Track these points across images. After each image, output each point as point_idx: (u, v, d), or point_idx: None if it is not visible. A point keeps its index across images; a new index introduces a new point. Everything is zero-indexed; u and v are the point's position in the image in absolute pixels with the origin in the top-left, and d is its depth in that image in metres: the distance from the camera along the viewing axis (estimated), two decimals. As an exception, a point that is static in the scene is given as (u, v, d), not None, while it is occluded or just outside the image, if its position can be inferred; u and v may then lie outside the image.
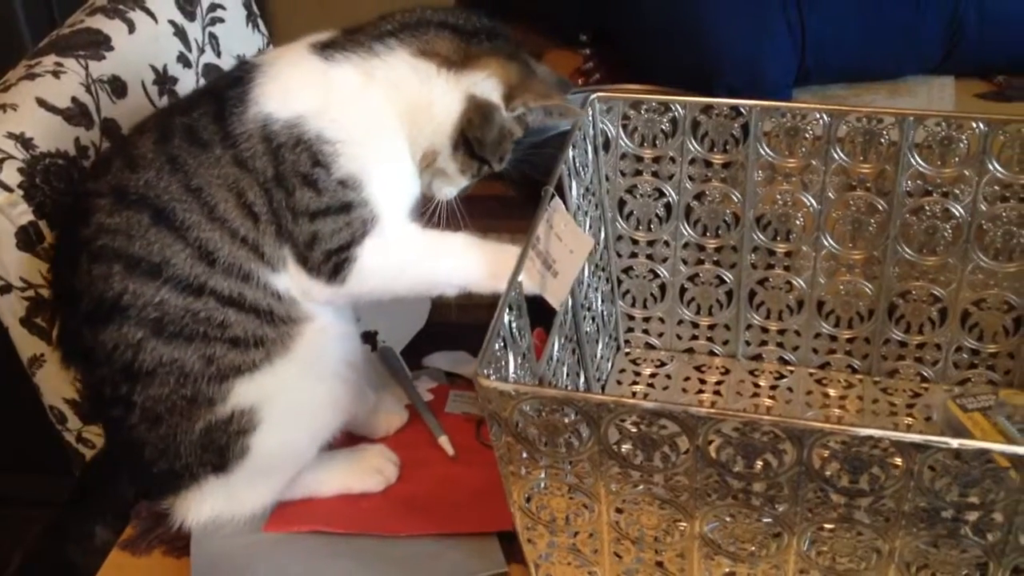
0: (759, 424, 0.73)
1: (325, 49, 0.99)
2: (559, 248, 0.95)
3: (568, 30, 1.84)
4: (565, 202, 1.02)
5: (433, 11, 1.02)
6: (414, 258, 1.00)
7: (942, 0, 1.63)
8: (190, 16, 1.36)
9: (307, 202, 0.96)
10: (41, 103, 1.11)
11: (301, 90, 0.97)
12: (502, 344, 0.85)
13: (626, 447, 0.77)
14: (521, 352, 0.89)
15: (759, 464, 0.75)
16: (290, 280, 0.98)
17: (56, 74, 1.15)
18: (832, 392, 1.16)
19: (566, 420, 0.77)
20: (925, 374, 1.15)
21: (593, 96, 1.11)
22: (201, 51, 1.37)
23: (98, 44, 1.21)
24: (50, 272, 1.04)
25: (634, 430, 0.76)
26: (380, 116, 0.99)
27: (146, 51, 1.27)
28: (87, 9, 1.27)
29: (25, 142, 1.07)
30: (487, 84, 1.00)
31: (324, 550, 1.01)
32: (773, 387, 1.17)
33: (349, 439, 1.09)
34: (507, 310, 0.86)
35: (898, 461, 0.72)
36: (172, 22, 1.33)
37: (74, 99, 1.14)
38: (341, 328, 1.02)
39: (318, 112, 0.96)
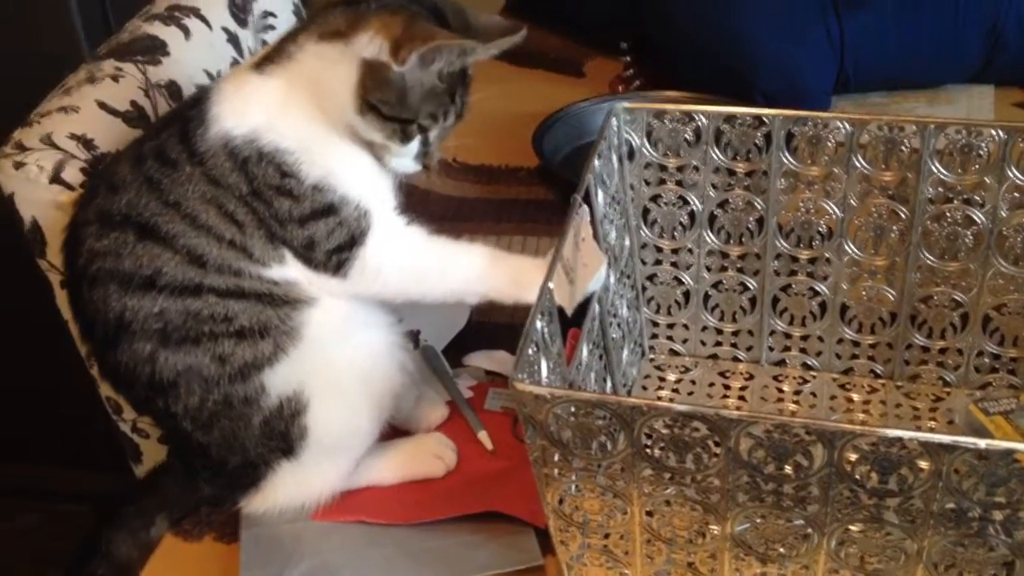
0: (790, 426, 0.75)
1: (261, 63, 1.02)
2: (576, 258, 0.97)
3: (609, 38, 1.86)
4: (592, 211, 1.04)
5: None
6: (423, 262, 1.04)
7: (982, 9, 1.63)
8: (243, 23, 1.41)
9: (288, 210, 0.98)
10: (102, 106, 1.16)
11: (247, 106, 0.99)
12: (535, 349, 0.87)
13: (658, 450, 0.79)
14: (553, 357, 0.91)
15: (789, 466, 0.77)
16: (290, 272, 1.00)
17: (116, 78, 1.20)
18: (856, 397, 1.17)
19: (599, 423, 0.79)
20: (947, 379, 1.16)
21: (618, 107, 1.12)
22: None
23: (155, 50, 1.26)
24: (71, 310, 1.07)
25: (666, 432, 0.78)
26: (310, 116, 1.00)
27: (201, 56, 1.32)
28: (144, 15, 1.32)
29: (87, 143, 1.12)
30: (373, 44, 0.97)
31: (367, 539, 1.04)
32: (797, 392, 1.18)
33: (392, 434, 1.12)
34: (539, 316, 0.88)
35: (926, 462, 0.74)
36: (225, 29, 1.38)
37: (133, 102, 1.19)
38: (351, 305, 1.04)
39: (267, 126, 0.98)
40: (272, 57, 1.02)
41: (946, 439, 0.72)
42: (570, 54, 1.94)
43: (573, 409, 0.79)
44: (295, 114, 0.99)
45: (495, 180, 1.60)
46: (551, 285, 0.91)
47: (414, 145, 1.02)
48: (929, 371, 1.17)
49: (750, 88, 1.62)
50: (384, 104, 0.99)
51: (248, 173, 0.98)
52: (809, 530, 0.81)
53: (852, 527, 0.79)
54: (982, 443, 0.72)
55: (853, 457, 0.75)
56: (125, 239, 0.98)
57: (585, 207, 0.99)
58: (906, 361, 1.17)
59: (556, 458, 0.83)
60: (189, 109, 1.01)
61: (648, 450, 0.79)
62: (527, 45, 1.95)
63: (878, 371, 1.18)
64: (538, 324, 0.87)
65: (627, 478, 0.82)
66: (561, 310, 1.08)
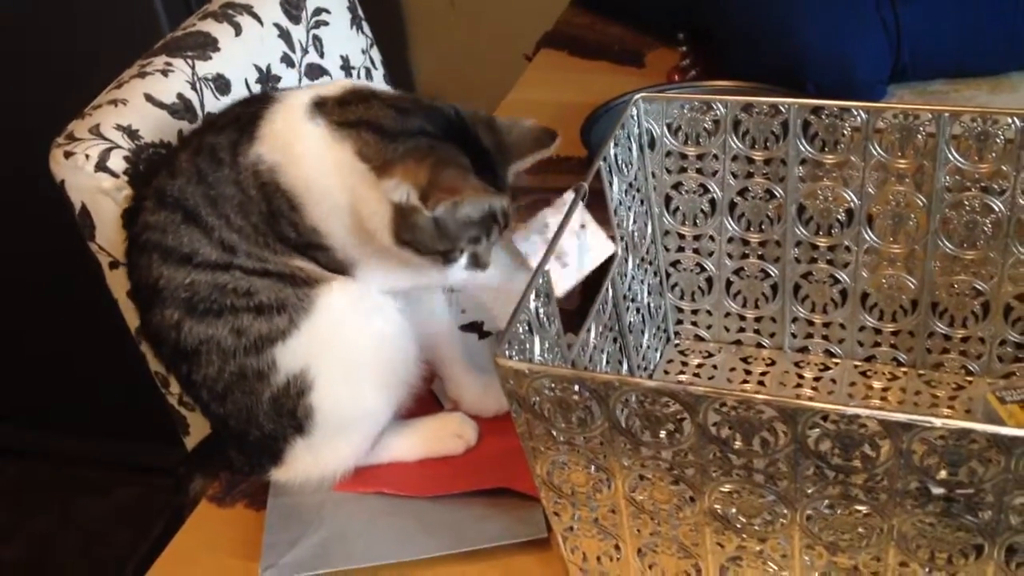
0: (753, 403, 0.77)
1: (314, 107, 1.04)
2: (572, 243, 1.00)
3: (669, 29, 1.89)
4: (606, 198, 1.08)
5: (376, 106, 1.04)
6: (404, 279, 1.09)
7: None
8: (295, 19, 1.46)
9: (294, 237, 1.05)
10: (149, 99, 1.23)
11: (283, 140, 1.04)
12: (527, 328, 0.90)
13: (634, 424, 0.82)
14: (550, 337, 0.95)
15: (758, 441, 0.79)
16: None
17: (165, 72, 1.27)
18: (876, 384, 1.18)
19: (576, 398, 0.83)
20: (970, 367, 1.16)
21: (637, 97, 1.15)
22: (305, 52, 1.47)
23: (205, 46, 1.33)
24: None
25: (639, 408, 0.81)
26: (335, 185, 1.03)
27: (251, 52, 1.38)
28: (200, 14, 1.39)
29: (131, 133, 1.19)
30: (400, 191, 0.99)
31: (385, 509, 1.10)
32: (817, 379, 1.19)
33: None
34: (533, 296, 0.92)
35: (886, 441, 0.75)
36: (277, 25, 1.43)
37: (180, 95, 1.26)
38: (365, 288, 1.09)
39: (290, 165, 1.03)
40: (329, 109, 1.04)
41: (903, 417, 0.74)
42: (633, 45, 1.96)
43: (552, 384, 0.83)
44: (318, 174, 1.03)
45: (544, 170, 1.61)
46: (547, 268, 0.95)
47: (461, 262, 1.06)
48: (952, 360, 1.17)
49: (803, 78, 1.62)
50: (419, 243, 1.02)
51: (265, 197, 1.04)
52: (781, 506, 0.83)
53: (822, 504, 0.81)
54: (938, 422, 0.73)
55: (816, 434, 0.77)
56: (173, 219, 1.06)
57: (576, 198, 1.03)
58: (928, 349, 1.17)
59: (540, 432, 0.87)
60: (248, 120, 1.06)
61: (626, 424, 0.83)
62: (590, 37, 2.02)
63: (901, 359, 1.19)
64: (531, 303, 0.91)
65: (607, 452, 0.85)
66: (585, 294, 1.12)
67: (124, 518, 2.57)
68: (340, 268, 1.07)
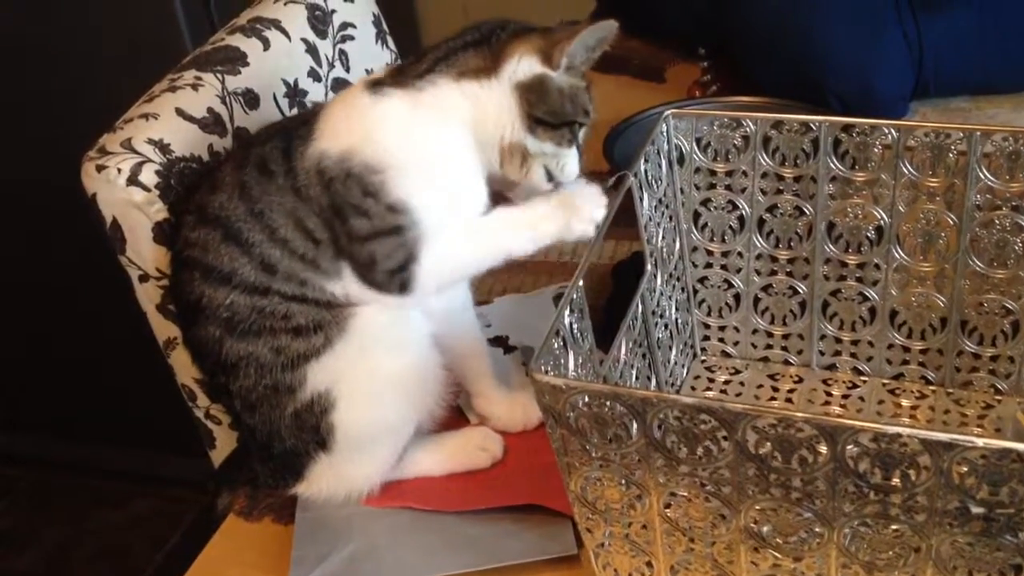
0: (793, 420, 0.77)
1: (375, 86, 1.07)
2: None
3: (687, 44, 1.89)
4: (636, 212, 1.08)
5: (454, 39, 1.09)
6: (471, 250, 1.10)
7: None
8: (322, 34, 1.47)
9: (360, 227, 1.05)
10: (179, 113, 1.24)
11: (349, 124, 1.06)
12: (562, 344, 0.90)
13: (670, 441, 0.82)
14: (582, 353, 0.95)
15: (795, 460, 0.79)
16: (351, 287, 1.07)
17: (195, 87, 1.27)
18: (904, 403, 1.17)
19: (612, 413, 0.82)
20: (999, 386, 1.16)
21: (667, 112, 1.16)
22: (331, 66, 1.48)
23: (234, 60, 1.33)
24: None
25: (676, 424, 0.81)
26: (428, 140, 1.06)
27: (279, 66, 1.39)
28: (228, 28, 1.40)
29: (163, 147, 1.19)
30: (523, 64, 1.05)
31: (412, 525, 1.10)
32: (845, 396, 1.19)
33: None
34: (568, 311, 0.92)
35: (927, 460, 0.75)
36: (304, 40, 1.44)
37: (210, 109, 1.26)
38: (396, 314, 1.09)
39: (363, 142, 1.04)
40: (389, 82, 1.07)
41: (944, 437, 0.74)
42: (653, 60, 1.97)
43: (589, 400, 0.83)
44: (409, 134, 1.05)
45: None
46: (580, 283, 0.95)
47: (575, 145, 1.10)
48: (981, 378, 1.16)
49: (824, 92, 1.62)
50: (550, 114, 1.06)
51: (331, 190, 1.04)
52: (818, 524, 0.82)
53: (860, 523, 0.81)
54: (980, 441, 0.73)
55: (856, 451, 0.77)
56: (213, 236, 1.06)
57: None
58: (957, 368, 1.17)
59: (575, 447, 0.87)
60: (299, 126, 1.08)
61: (662, 440, 0.83)
62: (611, 51, 2.02)
63: (930, 377, 1.18)
64: (566, 319, 0.91)
65: (643, 468, 0.85)
66: (610, 309, 1.12)
67: (140, 529, 2.57)
68: (406, 260, 1.06)
